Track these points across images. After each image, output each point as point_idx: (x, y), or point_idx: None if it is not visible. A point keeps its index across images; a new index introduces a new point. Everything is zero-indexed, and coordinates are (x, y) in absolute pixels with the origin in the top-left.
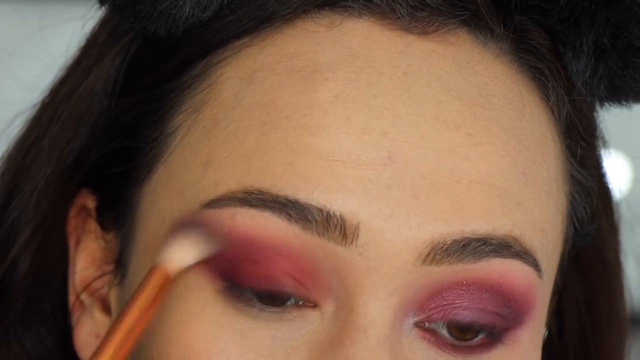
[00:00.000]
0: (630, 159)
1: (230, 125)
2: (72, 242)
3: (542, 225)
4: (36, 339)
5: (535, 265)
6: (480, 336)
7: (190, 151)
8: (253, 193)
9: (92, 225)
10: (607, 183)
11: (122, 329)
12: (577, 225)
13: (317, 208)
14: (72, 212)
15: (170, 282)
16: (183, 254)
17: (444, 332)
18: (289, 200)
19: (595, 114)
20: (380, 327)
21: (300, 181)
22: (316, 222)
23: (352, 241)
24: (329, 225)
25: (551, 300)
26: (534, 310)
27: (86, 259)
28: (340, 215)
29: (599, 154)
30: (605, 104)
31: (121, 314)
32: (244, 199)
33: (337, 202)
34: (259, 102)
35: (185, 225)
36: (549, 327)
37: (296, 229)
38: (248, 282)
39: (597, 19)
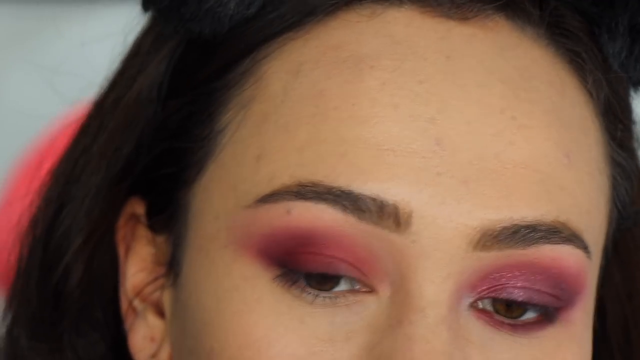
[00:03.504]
0: None
1: (280, 118)
2: (121, 250)
3: (587, 208)
4: (89, 346)
5: (585, 247)
6: (533, 314)
7: (242, 146)
8: (307, 186)
9: (142, 231)
10: None
11: None
12: (619, 207)
13: (370, 198)
14: (121, 221)
15: None
16: None
17: (490, 308)
18: (342, 192)
19: (631, 99)
20: (438, 307)
21: (353, 172)
22: (370, 211)
23: (405, 229)
24: (383, 214)
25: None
26: (585, 290)
27: (137, 265)
28: (394, 204)
29: (636, 139)
30: None
31: None
32: (299, 192)
33: (390, 191)
34: (307, 94)
35: None
36: (593, 318)
37: (351, 219)
38: (304, 266)
39: None
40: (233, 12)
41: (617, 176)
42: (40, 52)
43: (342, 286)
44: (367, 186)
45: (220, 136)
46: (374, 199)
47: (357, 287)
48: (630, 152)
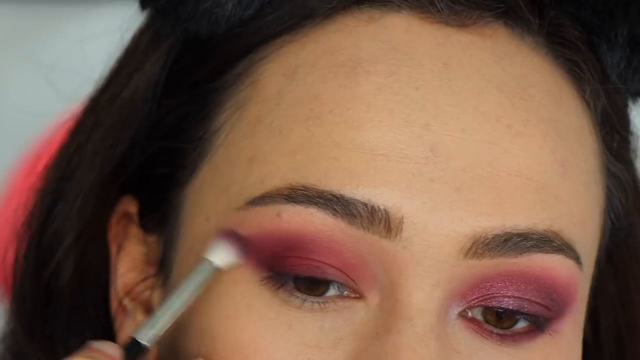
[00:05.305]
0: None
1: (274, 121)
2: (113, 248)
3: (581, 218)
4: (82, 344)
5: (577, 258)
6: (523, 324)
7: (235, 148)
8: (298, 189)
9: (134, 230)
10: (639, 180)
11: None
12: (613, 218)
13: (361, 203)
14: (113, 219)
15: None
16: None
17: (480, 317)
18: (334, 196)
19: (629, 110)
20: (427, 316)
21: (345, 176)
22: (361, 216)
23: (396, 235)
24: (374, 219)
25: (589, 296)
26: (575, 302)
27: (128, 264)
28: (385, 209)
29: (633, 150)
30: (639, 99)
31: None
32: (289, 196)
33: (381, 197)
34: (303, 98)
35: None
36: (584, 327)
37: (342, 223)
38: (291, 269)
39: (631, 10)
40: (230, 13)
41: (612, 187)
42: (40, 51)
43: (332, 291)
44: (359, 191)
45: (215, 137)
46: (365, 204)
47: (346, 293)
48: (627, 163)
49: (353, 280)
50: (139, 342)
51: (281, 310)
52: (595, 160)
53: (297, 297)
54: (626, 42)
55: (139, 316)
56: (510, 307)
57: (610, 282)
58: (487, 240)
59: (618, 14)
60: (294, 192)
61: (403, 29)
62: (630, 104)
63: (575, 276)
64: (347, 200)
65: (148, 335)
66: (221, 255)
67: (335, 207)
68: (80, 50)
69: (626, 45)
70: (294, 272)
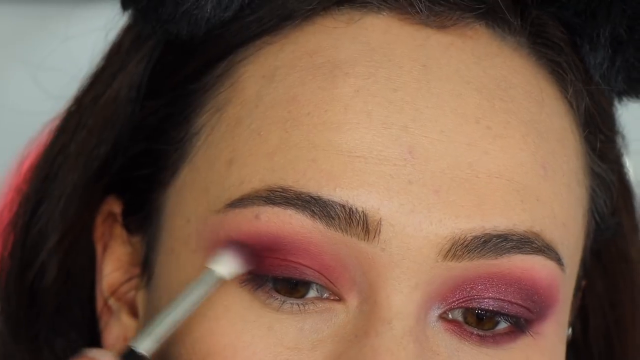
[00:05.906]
0: (630, 159)
1: (253, 123)
2: (99, 248)
3: (563, 220)
4: (67, 344)
5: (558, 259)
6: (504, 325)
7: (215, 150)
8: (277, 191)
9: (119, 230)
10: (627, 179)
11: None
12: (597, 219)
13: (339, 204)
14: (99, 219)
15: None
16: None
17: (460, 319)
18: (312, 197)
19: (614, 109)
20: (405, 319)
21: (322, 178)
22: (339, 218)
23: (374, 236)
24: (352, 221)
25: (574, 297)
26: (558, 303)
27: (113, 264)
28: (363, 211)
29: (619, 149)
30: (624, 98)
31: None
32: (268, 197)
33: (359, 198)
34: (281, 100)
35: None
36: (573, 326)
37: (320, 225)
38: (269, 270)
39: (613, 10)
40: (210, 14)
41: (596, 188)
42: (37, 51)
43: (312, 293)
44: (336, 192)
45: (195, 139)
46: (342, 206)
47: (325, 295)
48: (611, 163)
49: (332, 283)
50: (135, 351)
51: (261, 313)
52: (578, 161)
53: (276, 298)
54: (609, 43)
55: (124, 316)
56: (491, 308)
57: (598, 281)
58: (466, 242)
59: (600, 14)
60: (272, 193)
61: (382, 30)
62: (616, 103)
63: (556, 278)
64: (324, 201)
65: (145, 344)
66: (226, 266)
67: (313, 208)
68: (76, 50)
69: (608, 46)
70: (272, 274)
